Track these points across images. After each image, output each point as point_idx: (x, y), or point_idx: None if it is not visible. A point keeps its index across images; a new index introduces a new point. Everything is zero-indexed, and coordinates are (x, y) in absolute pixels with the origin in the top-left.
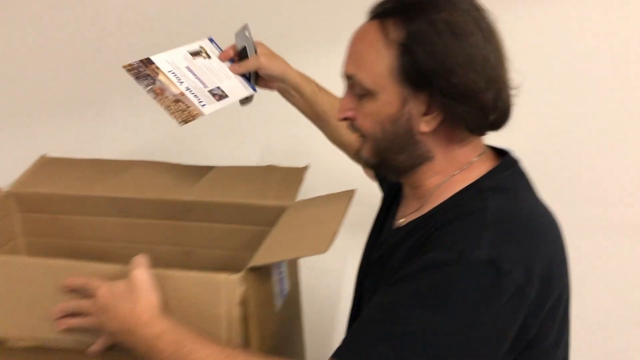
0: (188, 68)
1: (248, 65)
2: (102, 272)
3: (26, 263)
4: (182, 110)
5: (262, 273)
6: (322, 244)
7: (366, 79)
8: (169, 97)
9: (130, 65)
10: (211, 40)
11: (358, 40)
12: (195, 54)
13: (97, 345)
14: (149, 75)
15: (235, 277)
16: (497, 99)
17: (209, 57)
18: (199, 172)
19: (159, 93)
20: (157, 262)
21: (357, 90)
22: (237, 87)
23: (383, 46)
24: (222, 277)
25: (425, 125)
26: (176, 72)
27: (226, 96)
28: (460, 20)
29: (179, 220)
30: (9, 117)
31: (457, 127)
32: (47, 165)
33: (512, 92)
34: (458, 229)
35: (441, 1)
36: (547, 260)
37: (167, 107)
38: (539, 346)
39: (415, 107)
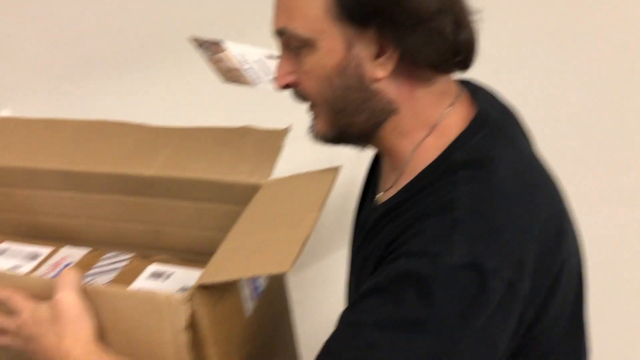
0: (259, 60)
1: None
2: (27, 284)
3: None
4: (232, 75)
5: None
6: (286, 259)
7: (300, 27)
8: (223, 66)
9: (197, 38)
10: None
11: None
12: (272, 57)
13: None
14: (213, 50)
15: (179, 298)
16: (457, 24)
17: None
18: (163, 135)
19: (214, 61)
20: (125, 242)
21: (293, 44)
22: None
23: None
24: (163, 296)
25: (380, 70)
26: (244, 56)
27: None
28: None
29: (142, 196)
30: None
31: (418, 64)
32: None
33: (474, 18)
34: (427, 229)
35: None
36: (540, 240)
37: (217, 69)
38: (537, 329)
39: (364, 48)
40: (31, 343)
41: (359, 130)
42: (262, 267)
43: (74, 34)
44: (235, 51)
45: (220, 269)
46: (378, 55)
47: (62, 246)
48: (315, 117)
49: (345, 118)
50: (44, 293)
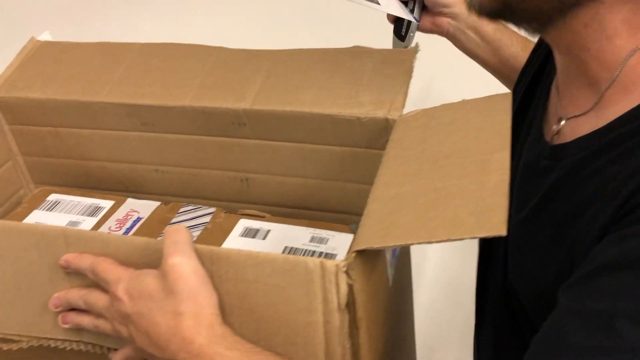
0: None
1: None
2: (120, 245)
3: (9, 229)
4: None
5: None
6: (495, 217)
7: None
8: None
9: None
10: None
11: None
12: None
13: (121, 356)
14: None
15: (339, 267)
16: None
17: None
18: (252, 60)
19: None
20: (203, 193)
21: None
22: (394, 5)
23: None
24: (315, 263)
25: None
26: None
27: (377, 3)
28: None
29: (228, 136)
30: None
31: None
32: (38, 55)
33: None
34: None
35: None
36: None
37: None
38: None
39: None
40: (131, 324)
41: (535, 7)
42: (463, 228)
43: None
44: None
45: (389, 228)
46: None
47: (125, 198)
48: None
49: None
50: (140, 259)
